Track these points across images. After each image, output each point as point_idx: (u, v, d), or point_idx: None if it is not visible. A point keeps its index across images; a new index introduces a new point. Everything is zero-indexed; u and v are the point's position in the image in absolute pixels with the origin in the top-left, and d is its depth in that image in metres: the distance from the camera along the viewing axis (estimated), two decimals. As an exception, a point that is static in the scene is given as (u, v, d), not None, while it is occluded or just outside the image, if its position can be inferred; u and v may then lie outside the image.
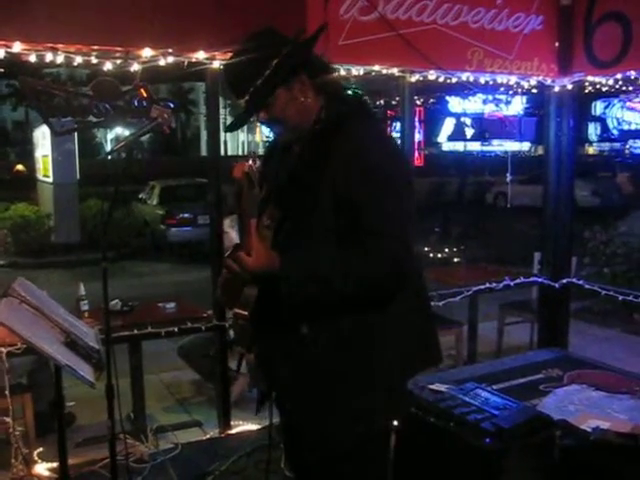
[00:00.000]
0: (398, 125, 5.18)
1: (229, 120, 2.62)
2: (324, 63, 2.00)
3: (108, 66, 3.40)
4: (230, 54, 1.91)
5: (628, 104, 27.70)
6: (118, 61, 3.40)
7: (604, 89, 4.85)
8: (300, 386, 1.90)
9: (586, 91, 4.93)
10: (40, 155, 13.21)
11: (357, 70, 4.00)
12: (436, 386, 2.90)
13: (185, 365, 4.76)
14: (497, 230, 13.63)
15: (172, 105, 3.33)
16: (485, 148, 31.28)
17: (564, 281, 4.89)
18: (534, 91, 5.12)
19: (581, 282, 4.88)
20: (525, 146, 31.34)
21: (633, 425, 2.65)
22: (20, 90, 4.03)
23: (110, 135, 37.51)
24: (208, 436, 4.06)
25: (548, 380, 3.33)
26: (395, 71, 4.16)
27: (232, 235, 3.98)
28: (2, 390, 3.34)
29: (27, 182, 16.24)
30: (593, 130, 32.99)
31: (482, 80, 4.46)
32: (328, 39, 3.60)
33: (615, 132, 30.55)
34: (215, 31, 3.47)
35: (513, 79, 4.53)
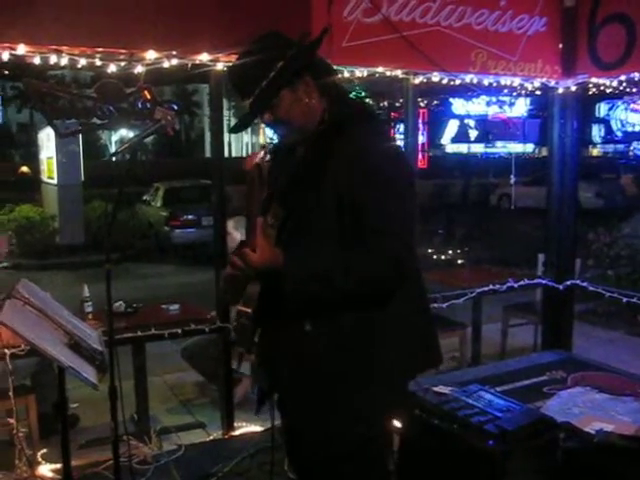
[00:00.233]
0: (402, 127, 5.17)
1: (233, 122, 2.63)
2: (328, 65, 2.02)
3: (112, 68, 3.41)
4: (234, 56, 1.92)
5: (632, 106, 27.71)
6: (122, 63, 3.41)
7: (608, 91, 4.84)
8: (301, 386, 1.91)
9: (590, 93, 4.92)
10: (45, 157, 13.27)
11: (361, 72, 4.00)
12: (440, 388, 2.90)
13: (189, 367, 4.76)
14: (501, 232, 13.62)
15: (176, 107, 3.33)
16: (489, 150, 31.30)
17: (568, 283, 4.87)
18: (538, 93, 5.11)
19: (585, 284, 4.85)
20: (529, 148, 31.35)
21: (637, 427, 2.65)
22: (25, 92, 4.04)
23: (114, 137, 37.55)
24: (211, 437, 4.06)
25: (552, 382, 3.32)
26: (399, 73, 4.15)
27: (236, 236, 3.98)
28: (6, 392, 3.33)
29: (32, 184, 16.31)
30: (597, 132, 32.91)
31: (486, 82, 4.45)
32: (332, 41, 3.61)
33: (619, 134, 30.49)
34: (219, 33, 3.48)
35: (517, 81, 4.53)
